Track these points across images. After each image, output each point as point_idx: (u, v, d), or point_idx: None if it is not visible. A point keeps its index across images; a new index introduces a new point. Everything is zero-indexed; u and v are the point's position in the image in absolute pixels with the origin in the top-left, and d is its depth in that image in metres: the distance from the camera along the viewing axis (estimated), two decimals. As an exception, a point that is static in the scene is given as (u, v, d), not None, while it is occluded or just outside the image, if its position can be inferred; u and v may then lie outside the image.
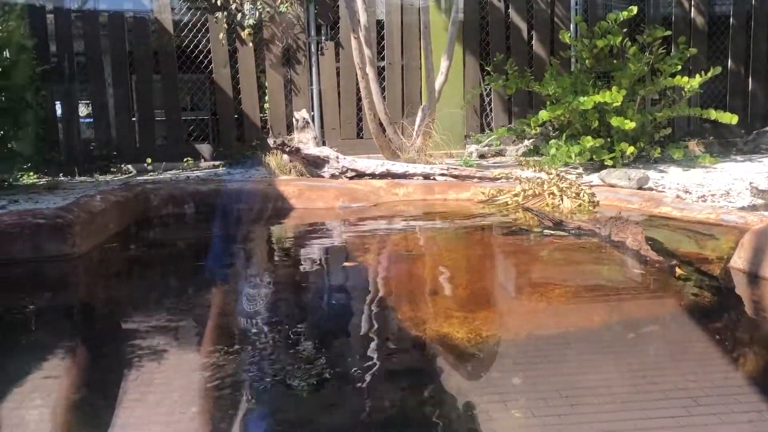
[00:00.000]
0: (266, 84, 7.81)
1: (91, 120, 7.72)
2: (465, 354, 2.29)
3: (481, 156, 7.66)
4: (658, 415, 1.85)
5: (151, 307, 2.99)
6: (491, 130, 7.98)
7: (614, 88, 6.19)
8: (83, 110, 7.96)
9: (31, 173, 6.71)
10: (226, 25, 7.60)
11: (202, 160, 7.70)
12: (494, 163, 7.29)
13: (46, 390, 2.12)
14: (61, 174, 6.87)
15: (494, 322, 2.66)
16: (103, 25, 7.52)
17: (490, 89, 8.11)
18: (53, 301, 3.23)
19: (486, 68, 7.89)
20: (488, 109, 8.34)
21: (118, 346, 2.50)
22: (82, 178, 6.79)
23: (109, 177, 6.91)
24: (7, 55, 5.94)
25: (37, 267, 3.48)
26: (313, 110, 7.79)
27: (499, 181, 5.40)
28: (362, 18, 6.31)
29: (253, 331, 2.59)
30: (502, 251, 3.95)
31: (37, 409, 2.01)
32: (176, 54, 7.64)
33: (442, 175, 5.54)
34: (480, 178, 5.51)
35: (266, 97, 7.85)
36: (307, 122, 5.88)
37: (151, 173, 7.18)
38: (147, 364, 2.25)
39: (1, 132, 5.96)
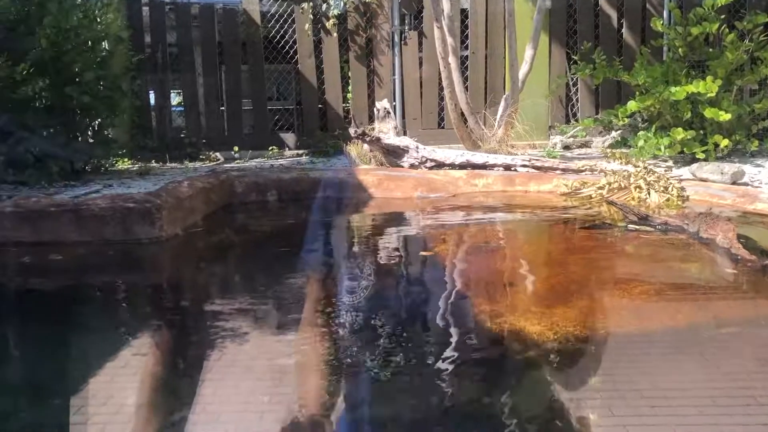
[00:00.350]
0: (349, 74, 7.88)
1: (182, 109, 8.02)
2: (541, 349, 2.23)
3: (566, 147, 7.47)
4: (746, 422, 1.75)
5: (234, 291, 3.08)
6: (576, 120, 7.77)
7: (709, 78, 5.88)
8: (175, 99, 8.28)
9: (125, 159, 7.03)
10: (311, 16, 7.71)
11: (286, 148, 7.86)
12: (579, 154, 7.09)
13: (134, 366, 2.20)
14: (153, 160, 7.17)
15: (573, 318, 2.59)
16: (195, 17, 7.79)
17: (576, 79, 7.89)
18: (142, 281, 3.37)
19: (573, 57, 7.67)
20: (574, 99, 8.12)
21: (202, 327, 2.58)
22: (173, 165, 7.06)
23: (197, 164, 7.16)
24: (106, 47, 6.23)
25: (126, 249, 3.65)
26: (394, 100, 7.80)
27: (584, 173, 5.25)
28: (446, 7, 6.25)
29: (331, 317, 2.62)
30: (583, 245, 3.84)
31: (126, 384, 2.08)
32: (263, 44, 7.81)
33: (524, 166, 5.43)
34: (563, 169, 5.37)
35: (349, 87, 7.93)
36: (388, 112, 5.89)
37: (238, 161, 7.39)
38: (229, 346, 2.30)
39: (99, 120, 6.26)
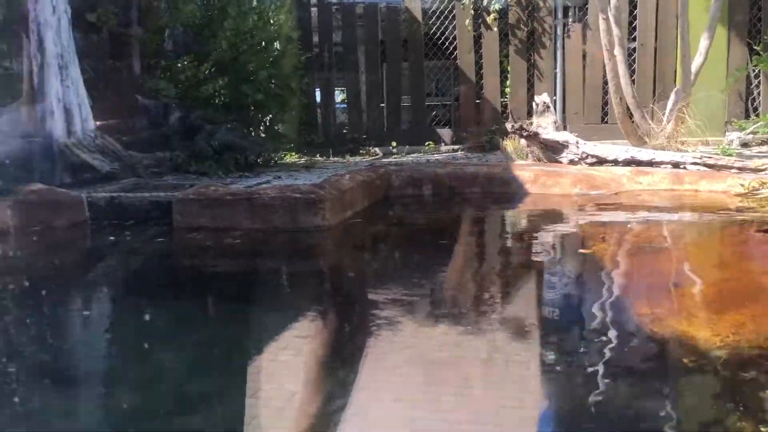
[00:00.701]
0: (508, 68, 7.79)
1: (345, 105, 8.36)
2: (707, 358, 2.11)
3: (744, 145, 6.88)
4: None
5: (389, 281, 3.15)
6: (757, 116, 7.13)
7: None
8: (339, 96, 8.64)
9: (293, 153, 7.44)
10: (472, 11, 7.71)
11: (443, 144, 7.94)
12: (759, 152, 6.51)
13: (295, 348, 2.34)
14: (317, 154, 7.54)
15: (744, 326, 2.41)
16: (359, 16, 8.07)
17: (758, 71, 7.24)
18: (305, 267, 3.58)
19: (755, 48, 7.05)
20: (755, 93, 7.46)
21: (359, 314, 2.68)
22: (335, 159, 7.38)
23: (358, 158, 7.43)
24: (278, 47, 6.64)
25: (292, 236, 3.89)
26: (555, 94, 7.61)
27: (763, 172, 4.82)
28: (612, -3, 5.99)
29: (483, 312, 2.62)
30: (759, 250, 3.55)
31: (287, 364, 2.21)
32: (423, 41, 7.93)
33: (695, 164, 5.09)
34: (739, 168, 4.97)
35: (507, 82, 7.84)
36: (547, 106, 5.77)
37: (395, 155, 7.57)
38: (384, 334, 2.37)
39: (270, 116, 6.69)
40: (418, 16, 7.91)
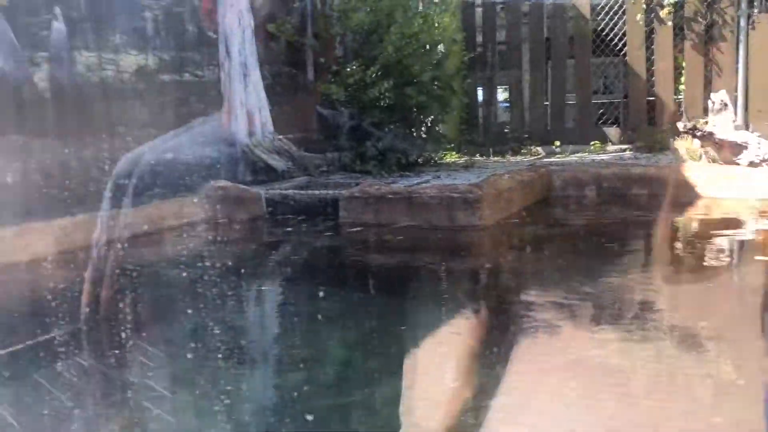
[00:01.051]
0: (683, 64, 7.37)
1: (507, 104, 8.34)
2: None
3: None
4: None
5: (547, 283, 3.14)
6: None
7: None
8: (500, 95, 8.64)
9: (453, 152, 7.56)
10: (644, 6, 7.38)
11: (609, 143, 7.67)
12: None
13: (451, 344, 2.40)
14: (477, 154, 7.59)
15: None
16: (524, 14, 8.01)
17: None
18: (461, 265, 3.67)
19: None
20: None
21: (515, 314, 2.67)
22: (496, 158, 7.39)
23: (518, 158, 7.39)
24: (441, 49, 6.78)
25: (449, 234, 4.01)
26: (736, 91, 7.08)
27: None
28: (805, -16, 5.48)
29: (649, 319, 2.52)
30: None
31: (444, 358, 2.28)
32: (591, 38, 7.72)
33: None
34: None
35: (681, 79, 7.41)
36: (725, 104, 5.41)
37: (558, 155, 7.44)
38: (540, 337, 2.34)
39: (432, 117, 6.86)
40: (586, 12, 7.70)
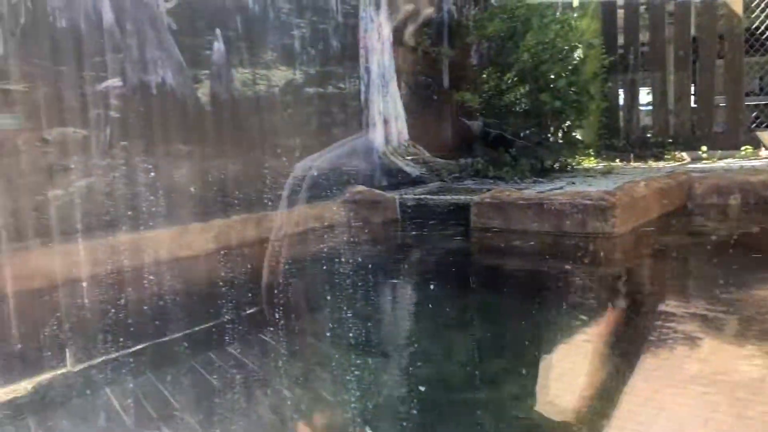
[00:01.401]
0: None
1: (650, 108, 8.05)
2: None
3: None
4: None
5: (687, 294, 3.06)
6: None
7: None
8: (643, 98, 8.36)
9: (591, 158, 7.43)
10: (804, -1, 6.89)
11: (763, 148, 7.21)
12: None
13: (583, 351, 2.39)
14: (617, 159, 7.41)
15: None
16: (669, 14, 7.72)
17: None
18: (593, 272, 3.65)
19: None
20: None
21: (650, 325, 2.59)
22: (636, 164, 7.18)
23: (660, 164, 7.13)
24: (579, 54, 6.71)
25: (580, 241, 4.00)
26: None
27: None
28: None
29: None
30: None
31: (575, 365, 2.29)
32: (743, 36, 7.30)
33: None
34: None
35: None
36: None
37: (705, 161, 7.10)
38: (678, 349, 2.27)
39: (568, 122, 6.79)
40: (738, 10, 7.28)
